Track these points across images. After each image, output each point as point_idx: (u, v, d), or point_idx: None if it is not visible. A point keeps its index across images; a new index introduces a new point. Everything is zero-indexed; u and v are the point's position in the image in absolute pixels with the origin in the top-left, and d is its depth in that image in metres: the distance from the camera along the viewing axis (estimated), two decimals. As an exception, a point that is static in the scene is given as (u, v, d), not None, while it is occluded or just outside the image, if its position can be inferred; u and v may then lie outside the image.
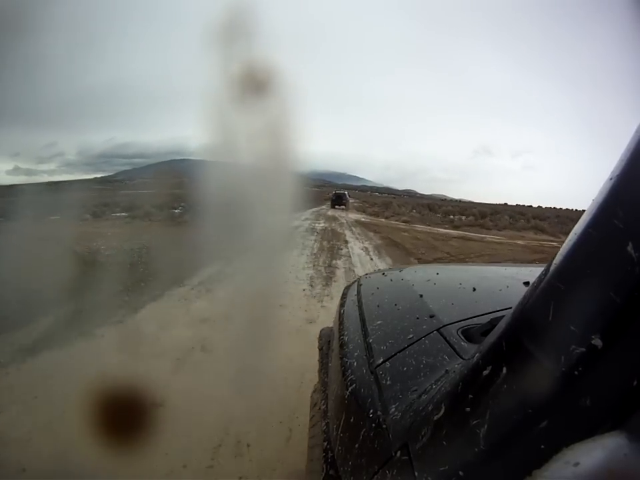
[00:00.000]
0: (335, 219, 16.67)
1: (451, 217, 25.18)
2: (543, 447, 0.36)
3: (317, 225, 13.13)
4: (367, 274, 1.72)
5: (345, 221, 15.63)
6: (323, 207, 25.25)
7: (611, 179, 0.40)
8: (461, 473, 0.43)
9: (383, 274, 1.54)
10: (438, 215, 25.53)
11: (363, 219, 18.34)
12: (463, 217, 25.30)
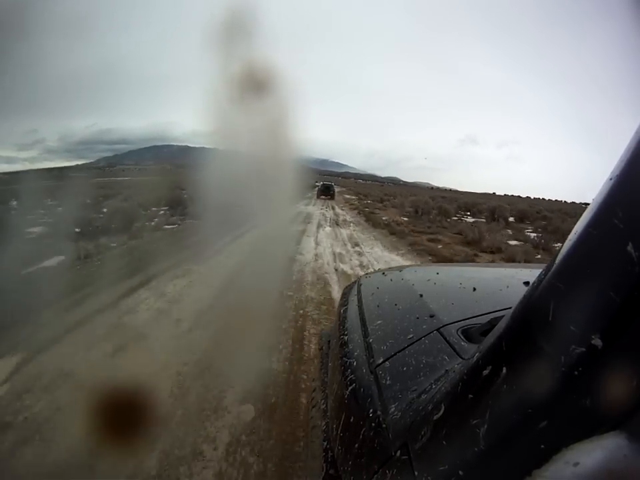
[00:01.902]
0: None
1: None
2: (542, 446, 0.36)
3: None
4: (367, 274, 1.72)
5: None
6: (303, 205, 16.73)
7: (610, 179, 0.40)
8: (460, 472, 0.43)
9: (383, 274, 1.54)
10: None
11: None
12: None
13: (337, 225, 11.61)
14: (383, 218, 14.12)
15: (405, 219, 15.11)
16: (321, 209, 17.26)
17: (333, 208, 18.61)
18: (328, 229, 10.29)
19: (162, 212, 10.79)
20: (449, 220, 14.96)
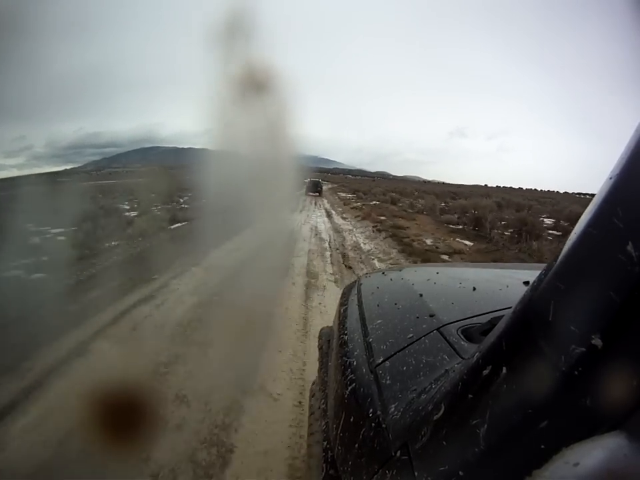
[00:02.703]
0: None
1: None
2: (542, 447, 0.35)
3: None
4: (367, 273, 1.72)
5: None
6: (288, 213, 9.88)
7: (610, 178, 0.39)
8: (460, 472, 0.43)
9: (383, 273, 1.54)
10: None
11: None
12: None
13: (350, 268, 5.61)
14: (427, 241, 7.88)
15: (468, 242, 8.27)
16: (314, 216, 12.17)
17: (330, 215, 12.84)
18: (331, 290, 4.39)
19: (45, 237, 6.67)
20: (547, 241, 8.44)
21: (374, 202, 19.41)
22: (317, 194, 24.31)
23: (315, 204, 17.32)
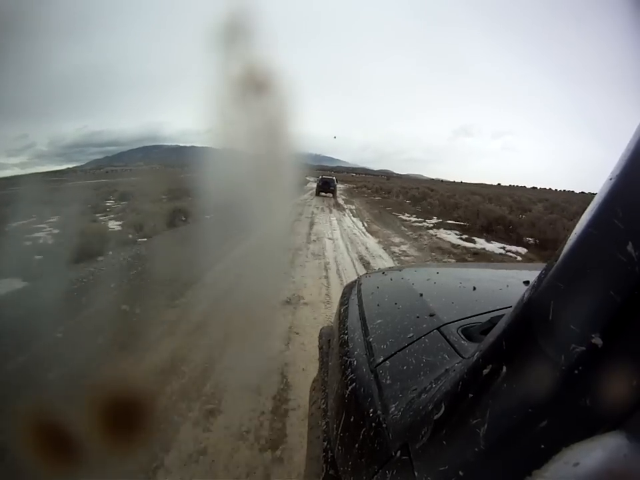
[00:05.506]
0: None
1: None
2: (543, 446, 0.35)
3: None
4: (367, 273, 1.72)
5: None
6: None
7: (610, 178, 0.40)
8: (460, 472, 0.43)
9: (383, 273, 1.54)
10: None
11: None
12: None
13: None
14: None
15: None
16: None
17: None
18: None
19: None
20: None
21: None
22: (330, 194, 20.30)
23: (321, 194, 15.61)
